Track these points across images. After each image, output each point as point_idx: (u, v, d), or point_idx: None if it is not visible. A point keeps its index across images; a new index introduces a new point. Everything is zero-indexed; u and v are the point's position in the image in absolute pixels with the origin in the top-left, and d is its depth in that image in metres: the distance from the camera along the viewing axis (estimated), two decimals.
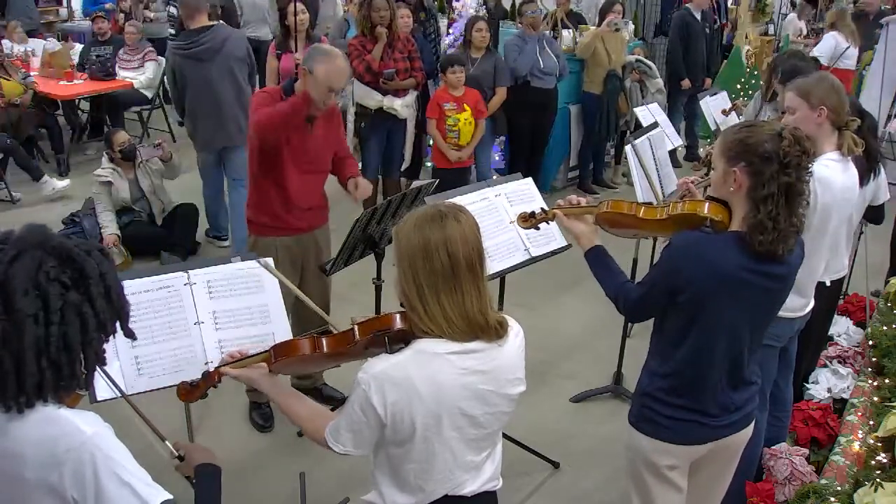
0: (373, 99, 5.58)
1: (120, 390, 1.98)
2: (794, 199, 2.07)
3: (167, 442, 1.83)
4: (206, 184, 5.58)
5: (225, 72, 5.03)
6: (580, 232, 2.42)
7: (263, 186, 3.49)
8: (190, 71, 5.02)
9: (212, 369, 2.13)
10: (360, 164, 6.06)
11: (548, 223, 2.62)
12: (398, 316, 1.82)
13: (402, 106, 5.66)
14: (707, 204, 2.19)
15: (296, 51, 5.46)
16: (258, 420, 3.83)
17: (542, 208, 2.62)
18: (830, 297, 3.35)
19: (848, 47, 7.34)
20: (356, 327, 1.86)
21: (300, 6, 5.47)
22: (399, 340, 1.81)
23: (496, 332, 1.81)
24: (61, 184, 6.58)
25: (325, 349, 1.92)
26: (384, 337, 1.80)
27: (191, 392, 2.15)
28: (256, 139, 3.39)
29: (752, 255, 2.09)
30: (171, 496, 1.48)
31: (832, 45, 7.42)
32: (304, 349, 1.94)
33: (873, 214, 3.63)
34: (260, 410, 3.85)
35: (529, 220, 2.61)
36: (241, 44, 5.19)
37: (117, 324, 1.55)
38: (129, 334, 1.60)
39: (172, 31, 8.94)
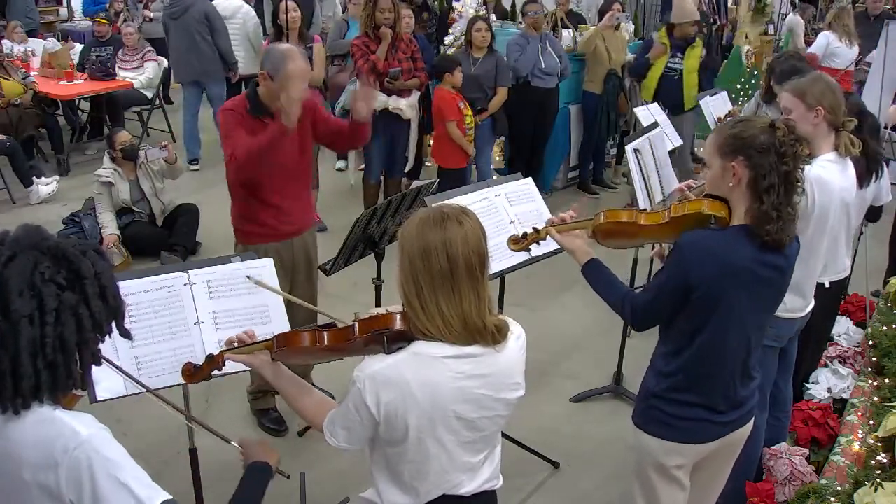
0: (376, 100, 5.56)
1: (144, 386, 2.11)
2: (792, 187, 2.12)
3: (233, 442, 1.99)
4: (185, 111, 7.42)
5: (185, 29, 7.11)
6: (575, 247, 2.40)
7: (248, 201, 3.38)
8: (169, 25, 7.30)
9: (216, 353, 2.16)
10: (362, 165, 6.10)
11: (538, 243, 2.55)
12: (398, 316, 1.82)
13: (408, 106, 5.64)
14: (707, 202, 2.19)
15: None
16: (270, 425, 3.78)
17: (533, 227, 2.54)
18: (831, 299, 3.33)
19: (839, 46, 7.33)
20: (356, 324, 1.88)
21: (291, 4, 5.49)
22: (398, 340, 1.81)
23: (494, 337, 1.80)
24: (46, 190, 6.57)
25: (325, 343, 1.94)
26: (383, 336, 1.81)
27: (195, 374, 2.21)
28: (233, 173, 3.29)
29: (758, 247, 2.12)
30: (170, 496, 1.47)
31: (824, 45, 7.40)
32: (305, 341, 1.97)
33: (870, 213, 3.63)
34: (269, 416, 3.81)
35: (520, 243, 2.55)
36: (200, 11, 7.11)
37: (113, 323, 1.55)
38: (125, 334, 1.59)
39: None
